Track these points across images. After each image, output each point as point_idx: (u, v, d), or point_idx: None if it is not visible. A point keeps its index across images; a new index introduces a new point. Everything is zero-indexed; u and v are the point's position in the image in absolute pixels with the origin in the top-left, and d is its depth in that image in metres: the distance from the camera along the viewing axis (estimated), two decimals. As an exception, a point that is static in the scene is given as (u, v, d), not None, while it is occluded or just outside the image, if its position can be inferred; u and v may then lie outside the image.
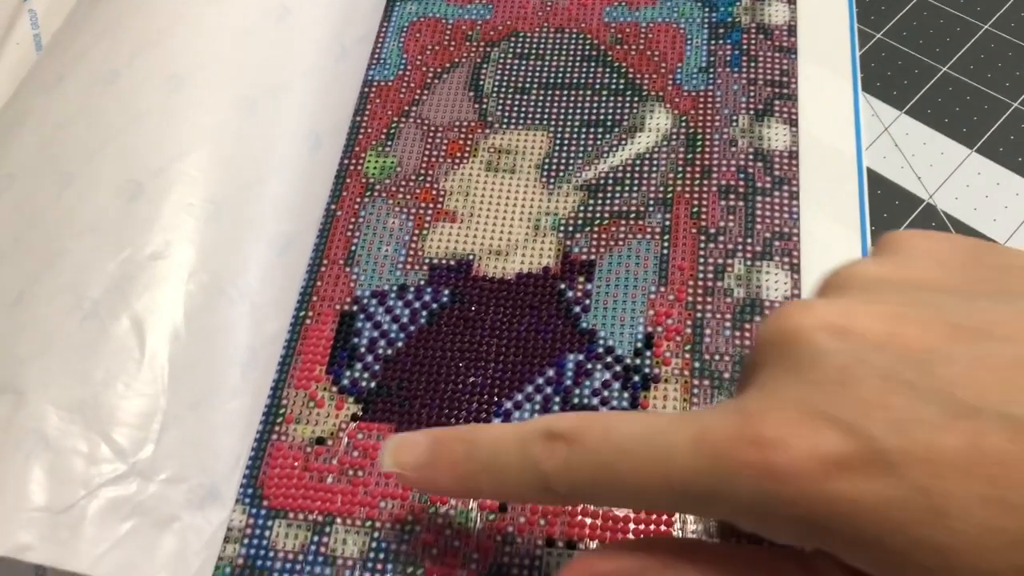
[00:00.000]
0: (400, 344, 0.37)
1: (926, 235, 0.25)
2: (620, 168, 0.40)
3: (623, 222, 0.39)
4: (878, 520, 0.20)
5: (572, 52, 0.44)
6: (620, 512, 0.32)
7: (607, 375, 0.35)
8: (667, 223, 0.38)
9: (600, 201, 0.39)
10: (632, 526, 0.32)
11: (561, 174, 0.40)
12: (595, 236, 0.38)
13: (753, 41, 0.43)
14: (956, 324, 0.21)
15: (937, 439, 0.19)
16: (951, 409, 0.19)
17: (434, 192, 0.41)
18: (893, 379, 0.20)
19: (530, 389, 0.35)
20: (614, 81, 0.43)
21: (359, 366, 0.36)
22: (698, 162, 0.40)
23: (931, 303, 0.22)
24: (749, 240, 0.37)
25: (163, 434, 0.32)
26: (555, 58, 0.44)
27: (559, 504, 0.27)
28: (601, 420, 0.24)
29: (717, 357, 0.35)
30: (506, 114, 0.43)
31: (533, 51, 0.44)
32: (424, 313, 0.37)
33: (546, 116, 0.42)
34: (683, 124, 0.41)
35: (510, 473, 0.25)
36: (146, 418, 0.32)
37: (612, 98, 0.42)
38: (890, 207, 0.39)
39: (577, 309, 0.37)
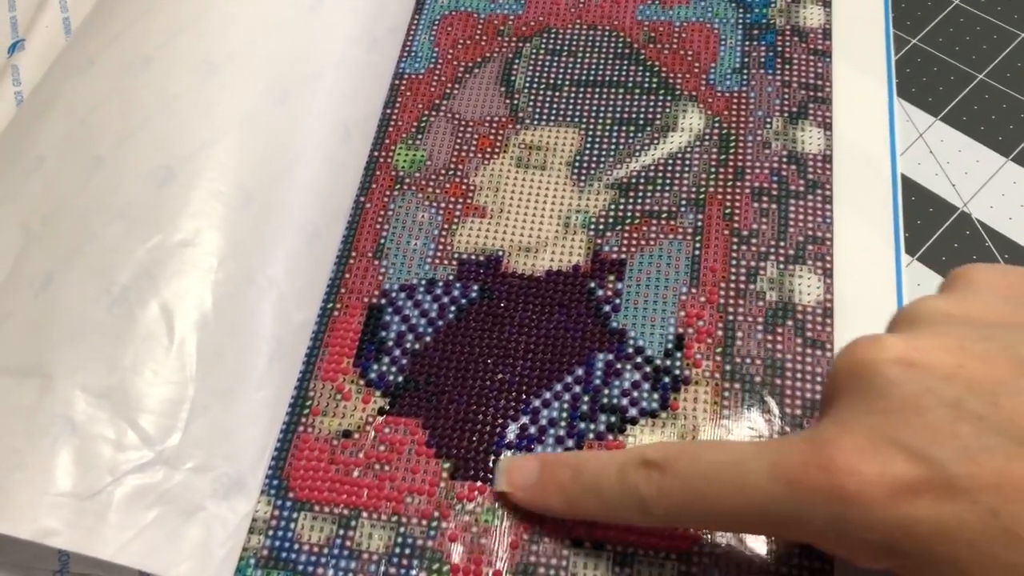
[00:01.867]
0: (428, 339, 0.36)
1: (991, 269, 0.26)
2: (652, 167, 0.40)
3: (655, 222, 0.38)
4: (951, 540, 0.21)
5: (605, 49, 0.44)
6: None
7: (637, 375, 0.35)
8: (699, 224, 0.38)
9: (631, 200, 0.39)
10: (661, 528, 0.32)
11: (592, 172, 0.40)
12: (626, 235, 0.38)
13: (788, 43, 0.43)
14: (1020, 358, 0.22)
15: (1006, 466, 0.21)
16: (1018, 438, 0.21)
17: (464, 187, 0.40)
18: (960, 409, 0.22)
19: (559, 387, 0.35)
20: (647, 80, 0.43)
21: (387, 360, 0.36)
22: (731, 163, 0.39)
23: (994, 337, 0.23)
24: (782, 243, 0.37)
25: (190, 423, 0.32)
26: (587, 55, 0.44)
27: (658, 524, 0.29)
28: (689, 449, 0.26)
29: (748, 360, 0.35)
30: (537, 110, 0.42)
31: (565, 47, 0.44)
32: (453, 308, 0.37)
33: (578, 113, 0.42)
34: (716, 125, 0.41)
35: (612, 497, 0.28)
36: (173, 406, 0.32)
37: (644, 97, 0.42)
38: (924, 214, 0.38)
39: (607, 308, 0.36)
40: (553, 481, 0.30)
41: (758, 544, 0.31)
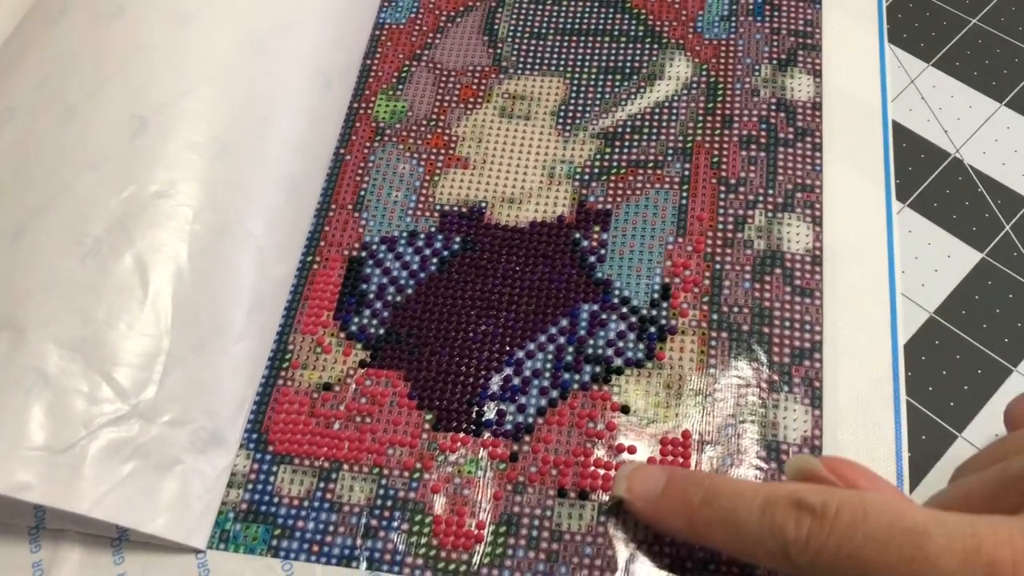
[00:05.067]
0: (410, 291, 0.36)
1: None
2: (638, 116, 0.39)
3: (641, 171, 0.38)
4: None
5: (590, -2, 0.43)
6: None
7: (622, 326, 0.34)
8: (686, 173, 0.37)
9: (617, 150, 0.38)
10: (646, 478, 0.31)
11: (577, 122, 0.39)
12: (611, 185, 0.37)
13: (777, -11, 0.42)
14: None
15: None
16: None
17: (446, 138, 0.39)
18: None
19: (543, 339, 0.34)
20: (633, 28, 0.42)
21: (367, 312, 0.35)
22: (719, 111, 0.39)
23: None
24: (771, 191, 0.36)
25: (166, 376, 0.31)
26: (572, 3, 0.43)
27: (795, 573, 0.26)
28: (857, 502, 0.23)
29: (736, 309, 0.34)
30: (521, 59, 0.41)
31: (550, -4, 0.43)
32: (435, 260, 0.36)
33: (562, 62, 0.41)
34: (703, 73, 0.40)
35: (748, 530, 0.25)
36: (148, 359, 0.31)
37: (630, 45, 0.41)
38: (915, 161, 0.38)
39: (592, 259, 0.36)
40: (680, 499, 0.27)
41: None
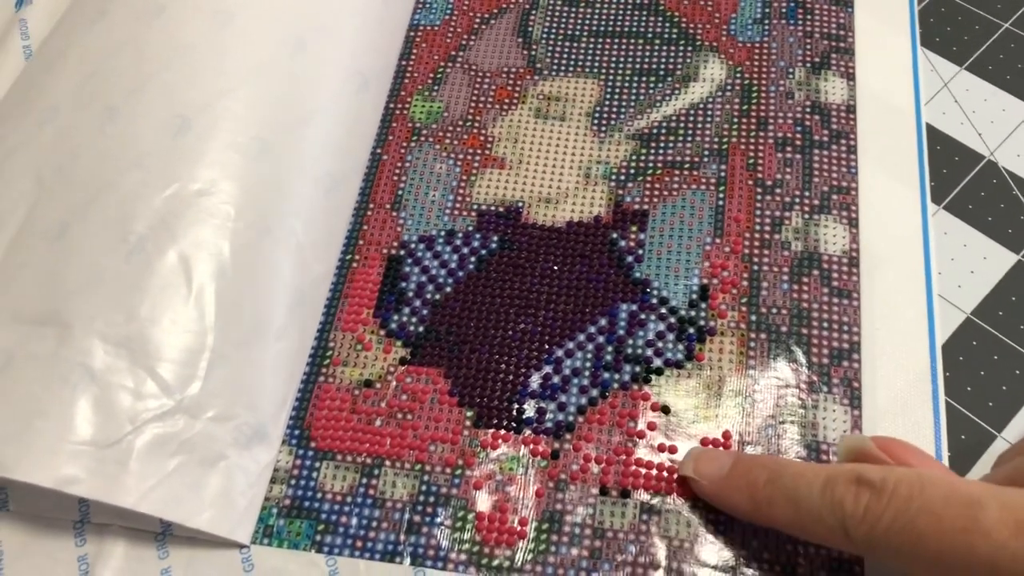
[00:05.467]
0: (448, 289, 0.36)
1: None
2: (673, 118, 0.39)
3: (677, 172, 0.38)
4: None
5: None
6: (678, 464, 0.32)
7: (661, 326, 0.34)
8: (723, 174, 0.37)
9: (653, 151, 0.39)
10: (688, 476, 0.31)
11: (612, 123, 0.39)
12: (648, 186, 0.38)
13: (809, -7, 0.42)
14: None
15: None
16: None
17: (482, 138, 0.40)
18: None
19: (582, 337, 0.34)
20: (666, 30, 0.42)
21: (407, 310, 0.36)
22: (754, 114, 0.39)
23: None
24: (807, 193, 0.37)
25: (210, 372, 0.32)
26: (605, 5, 0.43)
27: (853, 551, 0.26)
28: (915, 478, 0.24)
29: (775, 311, 0.34)
30: (555, 61, 0.42)
31: (583, -2, 0.43)
32: (472, 259, 0.37)
33: (596, 64, 0.41)
34: (738, 75, 0.40)
35: (809, 507, 0.26)
36: (192, 355, 0.31)
37: (664, 47, 0.41)
38: (949, 163, 0.38)
39: (630, 259, 0.36)
40: (745, 478, 0.28)
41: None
